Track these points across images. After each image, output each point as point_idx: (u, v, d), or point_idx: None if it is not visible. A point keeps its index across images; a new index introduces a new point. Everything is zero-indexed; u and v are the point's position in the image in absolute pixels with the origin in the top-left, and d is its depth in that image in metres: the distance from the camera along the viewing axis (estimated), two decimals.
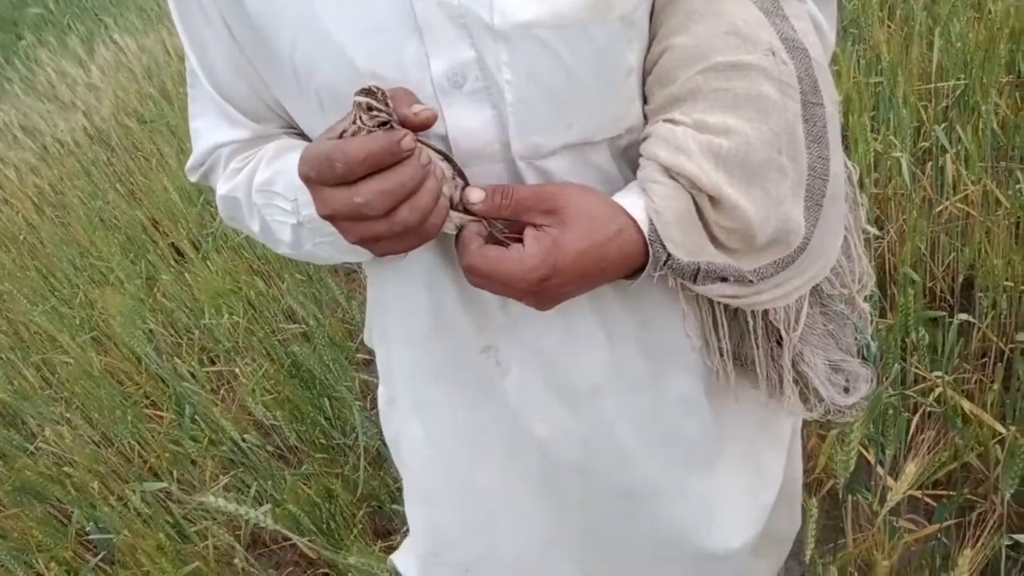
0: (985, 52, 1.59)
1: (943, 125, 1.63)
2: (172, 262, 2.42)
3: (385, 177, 0.40)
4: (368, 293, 0.67)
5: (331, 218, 0.43)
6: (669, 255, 0.46)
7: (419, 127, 0.41)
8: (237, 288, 2.07)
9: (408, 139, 0.40)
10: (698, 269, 0.47)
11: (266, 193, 0.54)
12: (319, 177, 0.41)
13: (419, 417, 0.62)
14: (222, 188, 0.58)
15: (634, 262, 0.47)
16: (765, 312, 0.52)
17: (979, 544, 0.99)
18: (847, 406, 0.57)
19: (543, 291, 0.46)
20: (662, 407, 0.59)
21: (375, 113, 0.41)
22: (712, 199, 0.46)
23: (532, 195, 0.46)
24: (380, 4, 0.45)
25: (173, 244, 2.53)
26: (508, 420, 0.58)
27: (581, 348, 0.55)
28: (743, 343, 0.55)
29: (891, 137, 1.58)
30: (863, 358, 0.58)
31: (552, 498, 0.62)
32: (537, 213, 0.46)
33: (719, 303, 0.52)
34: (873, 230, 0.61)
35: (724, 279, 0.48)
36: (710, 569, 0.68)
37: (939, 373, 1.24)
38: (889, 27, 2.05)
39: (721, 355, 0.55)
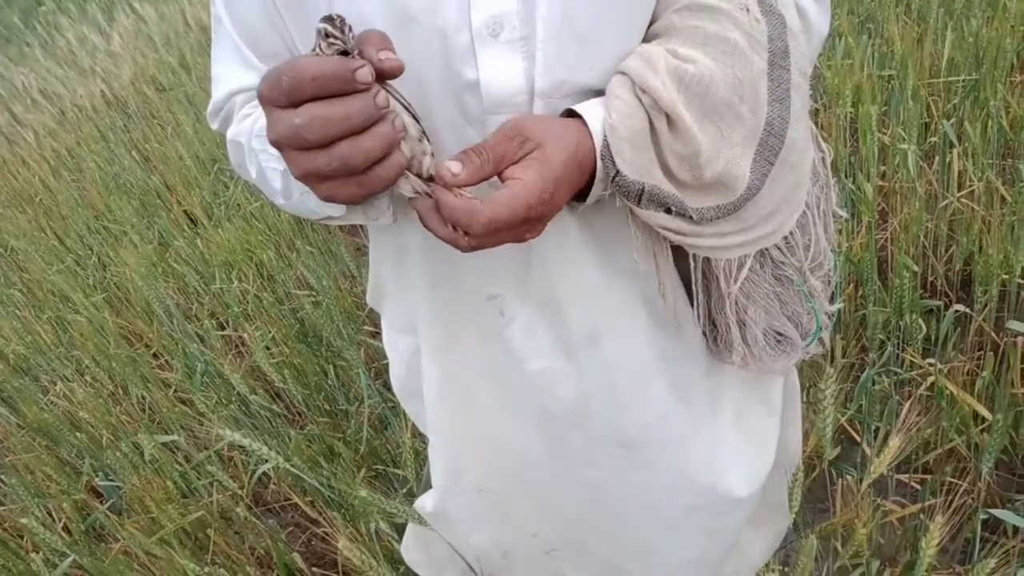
0: (997, 48, 1.60)
1: (952, 120, 1.64)
2: (185, 228, 2.46)
3: (330, 103, 0.39)
4: (372, 252, 0.68)
5: (277, 144, 0.41)
6: (618, 171, 0.47)
7: (382, 73, 0.40)
8: (249, 256, 2.10)
9: (364, 71, 0.39)
10: (642, 190, 0.48)
11: (263, 138, 0.54)
12: (269, 94, 0.40)
13: (436, 360, 0.64)
14: (231, 132, 0.59)
15: (587, 174, 0.49)
16: (708, 260, 0.54)
17: (951, 510, 1.02)
18: (773, 367, 0.59)
19: (547, 212, 0.46)
20: (663, 354, 0.60)
21: (332, 41, 0.40)
22: (669, 121, 0.48)
23: (501, 137, 0.46)
24: None
25: (186, 211, 2.57)
26: (514, 366, 0.61)
27: (585, 298, 0.57)
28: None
29: (899, 130, 1.59)
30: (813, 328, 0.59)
31: (556, 445, 0.65)
32: (513, 150, 0.46)
33: (664, 241, 0.54)
34: (844, 213, 0.62)
35: (668, 210, 0.49)
36: (708, 525, 0.70)
37: (932, 361, 1.27)
38: (904, 23, 2.05)
39: (659, 282, 0.56)
